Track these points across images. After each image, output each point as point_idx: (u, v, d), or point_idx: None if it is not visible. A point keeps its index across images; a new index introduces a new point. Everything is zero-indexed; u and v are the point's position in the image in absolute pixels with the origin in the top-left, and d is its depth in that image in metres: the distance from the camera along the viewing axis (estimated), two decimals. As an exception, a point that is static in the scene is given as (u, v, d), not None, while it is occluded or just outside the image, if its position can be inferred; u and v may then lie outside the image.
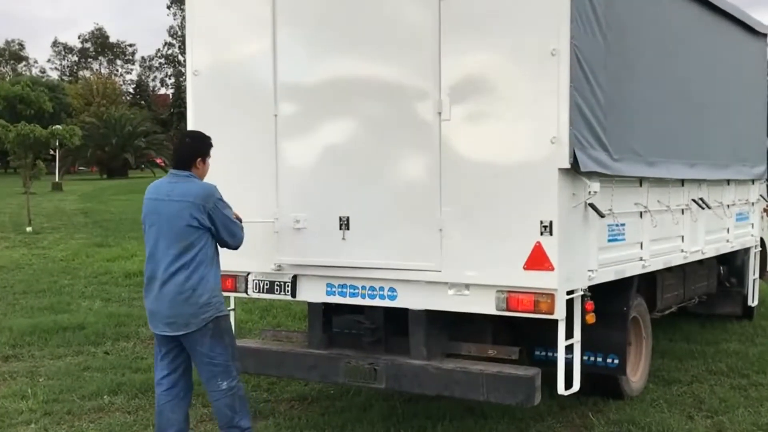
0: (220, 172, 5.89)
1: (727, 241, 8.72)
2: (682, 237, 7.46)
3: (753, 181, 9.37)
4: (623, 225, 6.27)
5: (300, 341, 6.59)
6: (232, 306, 7.05)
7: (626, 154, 6.11)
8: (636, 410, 6.70)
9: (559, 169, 5.30)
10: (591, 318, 5.75)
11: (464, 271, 5.66)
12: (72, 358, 8.72)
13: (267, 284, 6.43)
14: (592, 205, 5.63)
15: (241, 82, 6.48)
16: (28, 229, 23.05)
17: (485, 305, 5.64)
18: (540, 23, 5.33)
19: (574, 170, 5.36)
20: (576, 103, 5.34)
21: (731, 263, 9.74)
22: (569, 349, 5.64)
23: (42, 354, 8.94)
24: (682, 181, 7.38)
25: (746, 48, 8.94)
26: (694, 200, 7.55)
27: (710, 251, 8.19)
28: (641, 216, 6.63)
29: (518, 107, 5.43)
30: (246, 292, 6.54)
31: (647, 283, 7.51)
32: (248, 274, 6.50)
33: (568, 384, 5.65)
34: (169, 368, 5.48)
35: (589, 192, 5.50)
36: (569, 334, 5.64)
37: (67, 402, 7.10)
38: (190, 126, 6.61)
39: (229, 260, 6.25)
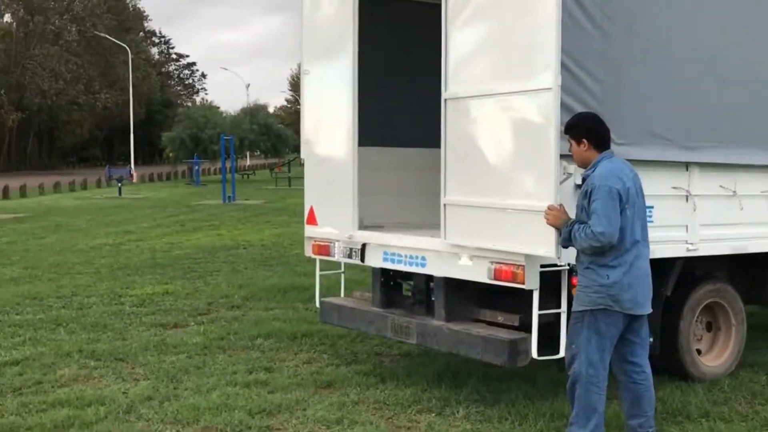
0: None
1: None
2: (770, 223, 7.31)
3: None
4: (650, 207, 6.49)
5: (371, 301, 7.66)
6: (342, 269, 8.35)
7: (638, 138, 6.34)
8: (681, 391, 6.85)
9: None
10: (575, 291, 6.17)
11: (468, 243, 6.40)
12: (277, 311, 10.44)
13: (347, 250, 7.61)
14: (578, 186, 6.02)
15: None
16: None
17: (481, 275, 6.36)
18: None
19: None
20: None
21: None
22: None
23: (258, 306, 10.83)
24: (768, 167, 7.24)
25: None
26: (793, 187, 7.33)
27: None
28: (687, 200, 6.76)
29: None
30: (334, 256, 7.77)
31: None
32: (335, 242, 7.72)
33: (554, 350, 6.15)
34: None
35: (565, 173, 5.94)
36: (558, 305, 6.16)
37: (227, 340, 8.83)
38: (302, 112, 8.04)
39: (322, 230, 7.66)
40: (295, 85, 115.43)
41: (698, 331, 7.36)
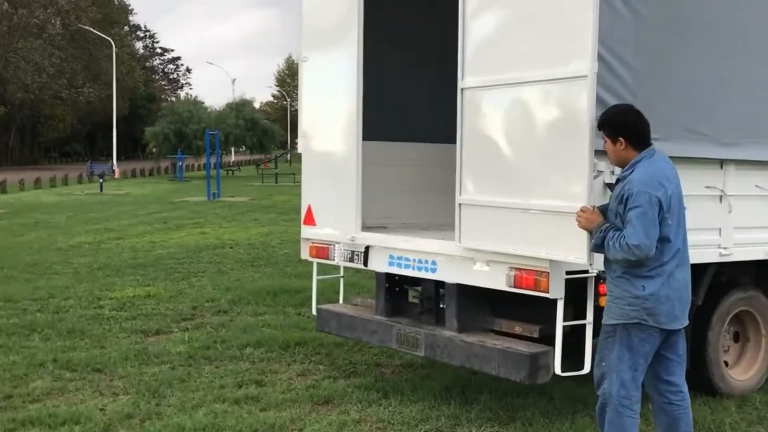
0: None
1: None
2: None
3: None
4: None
5: (373, 308, 7.05)
6: (341, 273, 7.74)
7: (672, 132, 5.72)
8: (710, 408, 6.31)
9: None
10: (603, 301, 5.58)
11: (485, 247, 5.81)
12: (267, 317, 9.78)
13: (348, 253, 6.99)
14: (608, 185, 5.43)
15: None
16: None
17: (499, 282, 5.76)
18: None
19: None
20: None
21: None
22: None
23: (246, 310, 10.17)
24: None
25: None
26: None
27: None
28: (720, 200, 6.20)
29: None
30: (334, 259, 7.15)
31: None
32: (335, 244, 7.11)
33: (579, 365, 5.56)
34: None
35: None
36: (582, 315, 5.58)
37: (214, 349, 8.16)
38: (300, 103, 7.43)
39: (321, 231, 7.05)
40: (282, 80, 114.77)
41: (725, 342, 6.82)
